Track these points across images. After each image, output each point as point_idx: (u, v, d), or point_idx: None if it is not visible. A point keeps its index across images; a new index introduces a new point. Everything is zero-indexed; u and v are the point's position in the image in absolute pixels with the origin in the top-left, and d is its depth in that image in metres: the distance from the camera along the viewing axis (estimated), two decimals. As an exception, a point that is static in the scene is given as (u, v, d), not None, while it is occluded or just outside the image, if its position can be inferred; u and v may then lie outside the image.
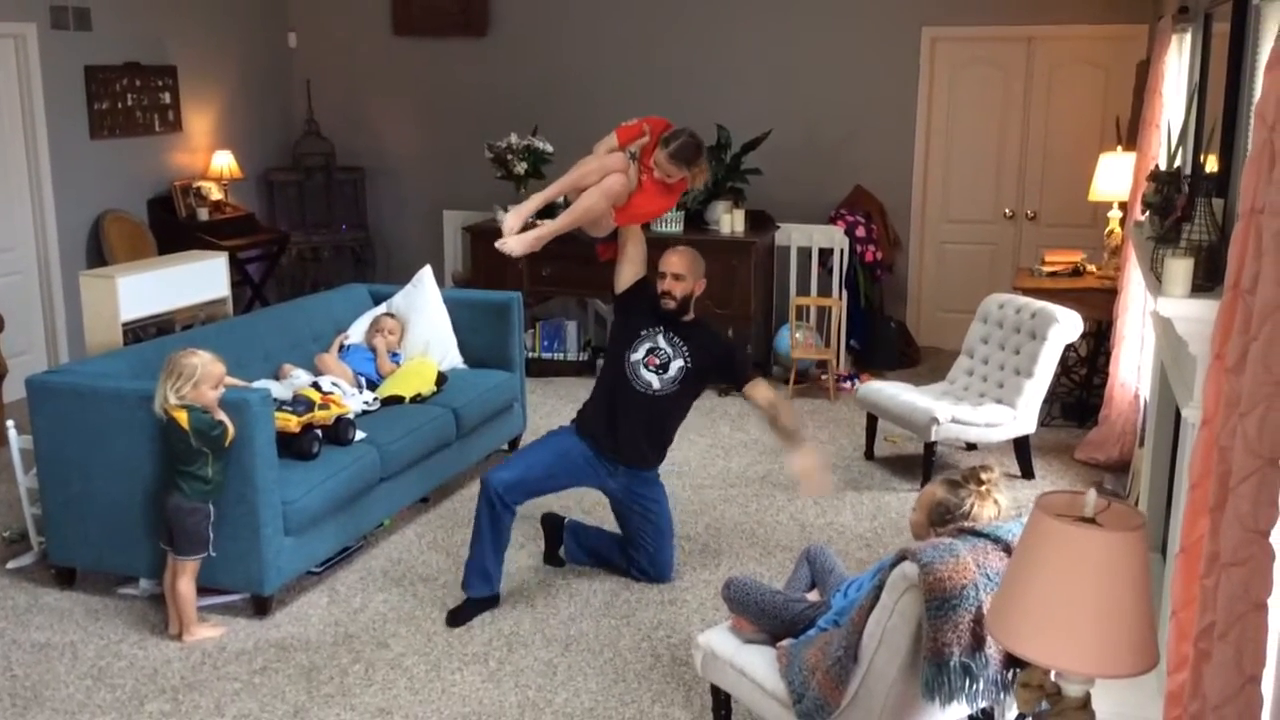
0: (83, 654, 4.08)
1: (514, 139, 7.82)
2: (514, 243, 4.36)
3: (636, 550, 4.58)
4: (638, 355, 4.44)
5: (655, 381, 4.41)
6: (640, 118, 4.43)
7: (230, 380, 4.19)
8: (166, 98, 8.21)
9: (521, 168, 7.80)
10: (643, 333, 4.46)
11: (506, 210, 4.50)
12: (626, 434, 4.45)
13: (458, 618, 4.29)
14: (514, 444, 6.15)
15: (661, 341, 4.44)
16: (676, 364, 4.43)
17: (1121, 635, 2.16)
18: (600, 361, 4.75)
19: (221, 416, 4.06)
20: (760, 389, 4.45)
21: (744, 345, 7.43)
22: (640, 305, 4.50)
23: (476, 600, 4.33)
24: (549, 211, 5.08)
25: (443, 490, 5.56)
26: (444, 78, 9.08)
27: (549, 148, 7.86)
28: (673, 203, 4.56)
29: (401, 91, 9.24)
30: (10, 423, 4.86)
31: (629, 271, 4.52)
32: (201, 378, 4.02)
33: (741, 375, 4.53)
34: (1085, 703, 2.33)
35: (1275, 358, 1.96)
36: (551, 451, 4.48)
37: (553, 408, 6.94)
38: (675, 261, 4.43)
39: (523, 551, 4.88)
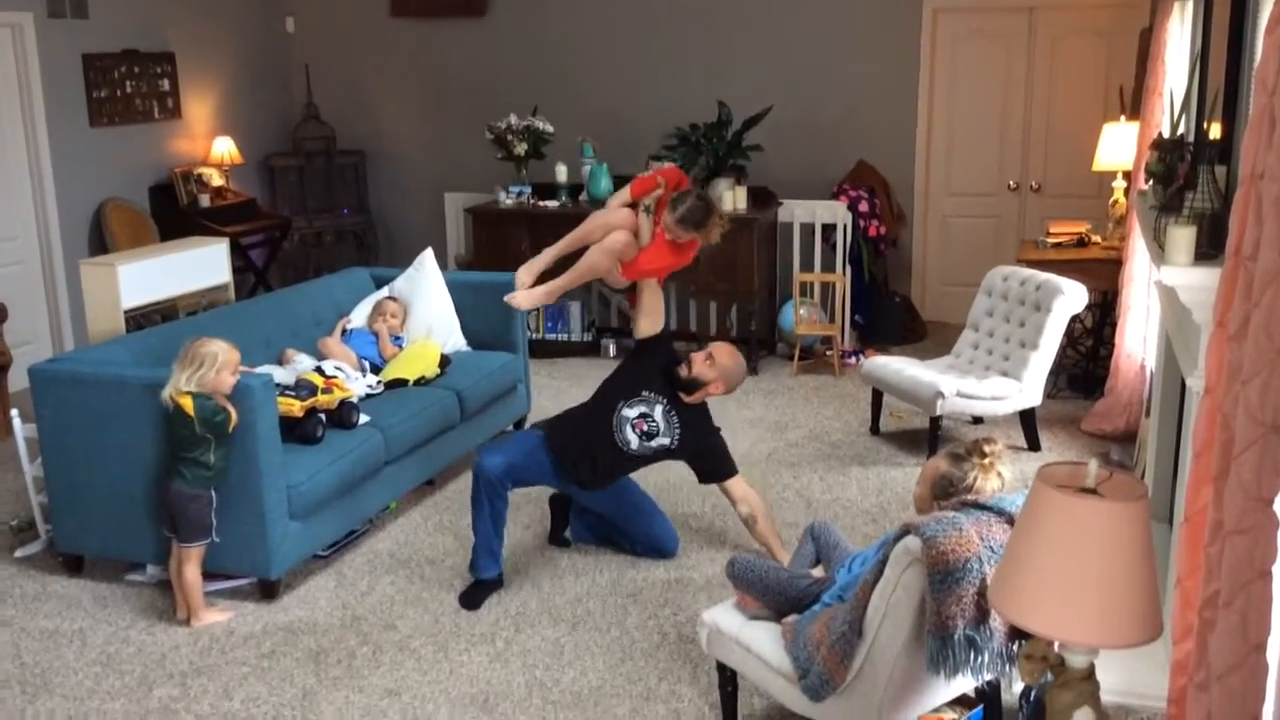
0: (91, 640, 4.10)
1: (514, 119, 7.80)
2: (522, 298, 4.50)
3: (631, 529, 4.58)
4: (630, 412, 4.39)
5: (634, 442, 4.39)
6: (657, 169, 4.46)
7: (244, 368, 4.20)
8: (165, 85, 8.19)
9: (522, 148, 7.78)
10: (645, 394, 4.42)
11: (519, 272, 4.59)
12: (594, 475, 4.41)
13: (473, 601, 4.29)
14: (519, 425, 6.15)
15: (658, 414, 4.40)
16: (661, 440, 4.42)
17: (1125, 606, 2.15)
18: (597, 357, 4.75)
19: (225, 403, 4.07)
20: (740, 487, 4.48)
21: (758, 316, 7.42)
22: (655, 360, 4.49)
23: (486, 581, 4.34)
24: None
25: (448, 473, 5.56)
26: (443, 59, 9.05)
27: (549, 128, 7.84)
28: (688, 259, 4.47)
29: (400, 74, 9.21)
30: (15, 412, 4.87)
31: (646, 323, 4.54)
32: (224, 364, 4.04)
33: (721, 472, 4.50)
34: (1089, 673, 2.33)
35: (1277, 325, 1.94)
36: (532, 448, 4.41)
37: (558, 389, 6.94)
38: (723, 351, 4.45)
39: (529, 532, 4.88)
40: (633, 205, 4.45)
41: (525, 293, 4.48)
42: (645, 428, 4.39)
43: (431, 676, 3.82)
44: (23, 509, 5.09)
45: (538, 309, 4.52)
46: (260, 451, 4.17)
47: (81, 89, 7.51)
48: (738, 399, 6.79)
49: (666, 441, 4.42)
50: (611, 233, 4.32)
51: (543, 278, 4.60)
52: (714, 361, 4.39)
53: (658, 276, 4.51)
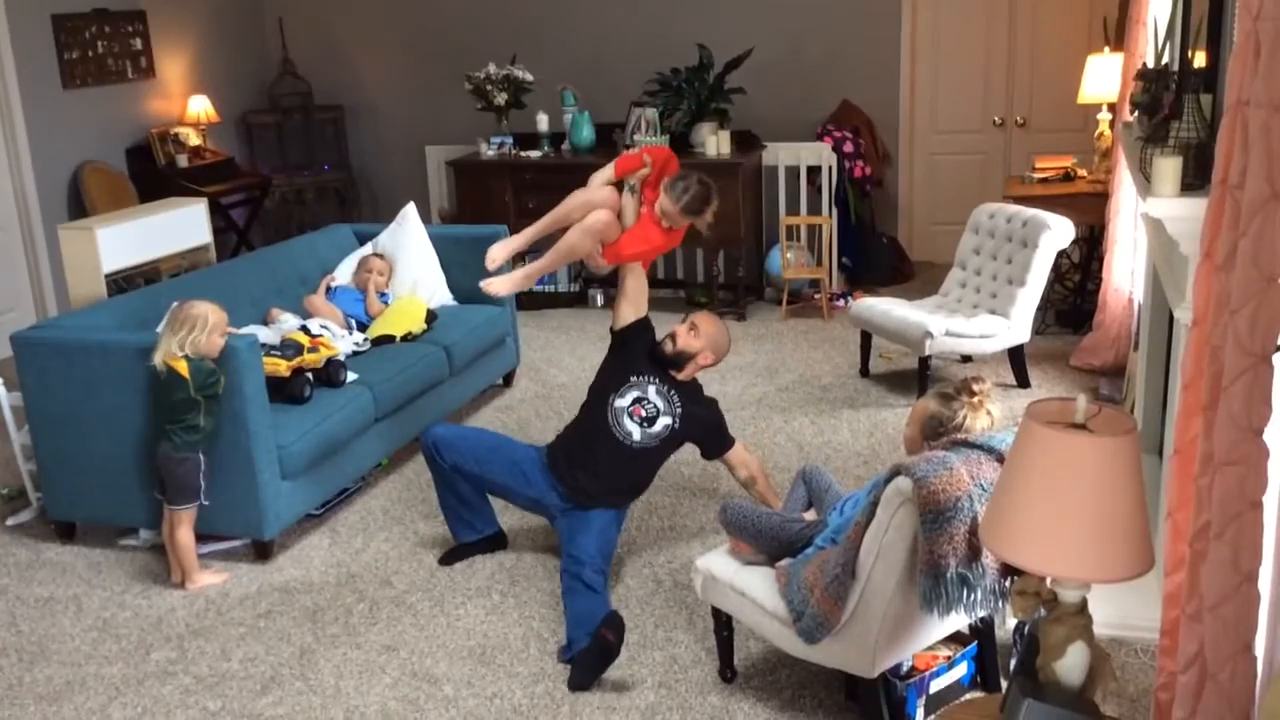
0: (87, 606, 4.10)
1: (492, 69, 7.71)
2: (499, 283, 4.27)
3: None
4: (623, 402, 4.07)
5: (636, 433, 4.05)
6: (642, 147, 4.20)
7: (229, 329, 4.16)
8: (138, 44, 8.06)
9: (502, 98, 7.70)
10: (633, 378, 4.10)
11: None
12: (600, 479, 4.04)
13: (447, 559, 4.28)
14: (508, 378, 6.14)
15: (652, 394, 4.09)
16: (664, 421, 4.08)
17: (1116, 539, 2.15)
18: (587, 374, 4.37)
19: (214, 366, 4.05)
20: (739, 454, 4.28)
21: (745, 261, 7.39)
22: (636, 346, 4.18)
23: (464, 545, 4.31)
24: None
25: (439, 427, 5.55)
26: (419, 8, 8.91)
27: (529, 76, 7.75)
28: (676, 241, 4.26)
29: (376, 25, 9.07)
30: (-1, 381, 4.84)
31: (628, 310, 4.21)
32: (213, 326, 4.01)
33: (725, 444, 4.28)
34: (1082, 608, 2.34)
35: (1265, 253, 1.93)
36: (500, 443, 4.21)
37: (546, 340, 6.91)
38: (706, 319, 4.19)
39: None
40: (616, 184, 4.20)
41: (503, 279, 4.26)
42: (643, 413, 4.07)
43: (428, 631, 3.83)
44: (12, 477, 5.07)
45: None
46: (249, 413, 4.15)
47: (52, 50, 7.38)
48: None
49: (670, 422, 4.07)
50: (593, 211, 4.07)
51: (519, 259, 4.41)
52: (699, 330, 4.13)
53: (643, 260, 4.24)
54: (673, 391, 4.12)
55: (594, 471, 4.03)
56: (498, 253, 4.32)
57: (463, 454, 4.11)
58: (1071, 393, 4.95)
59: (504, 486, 4.15)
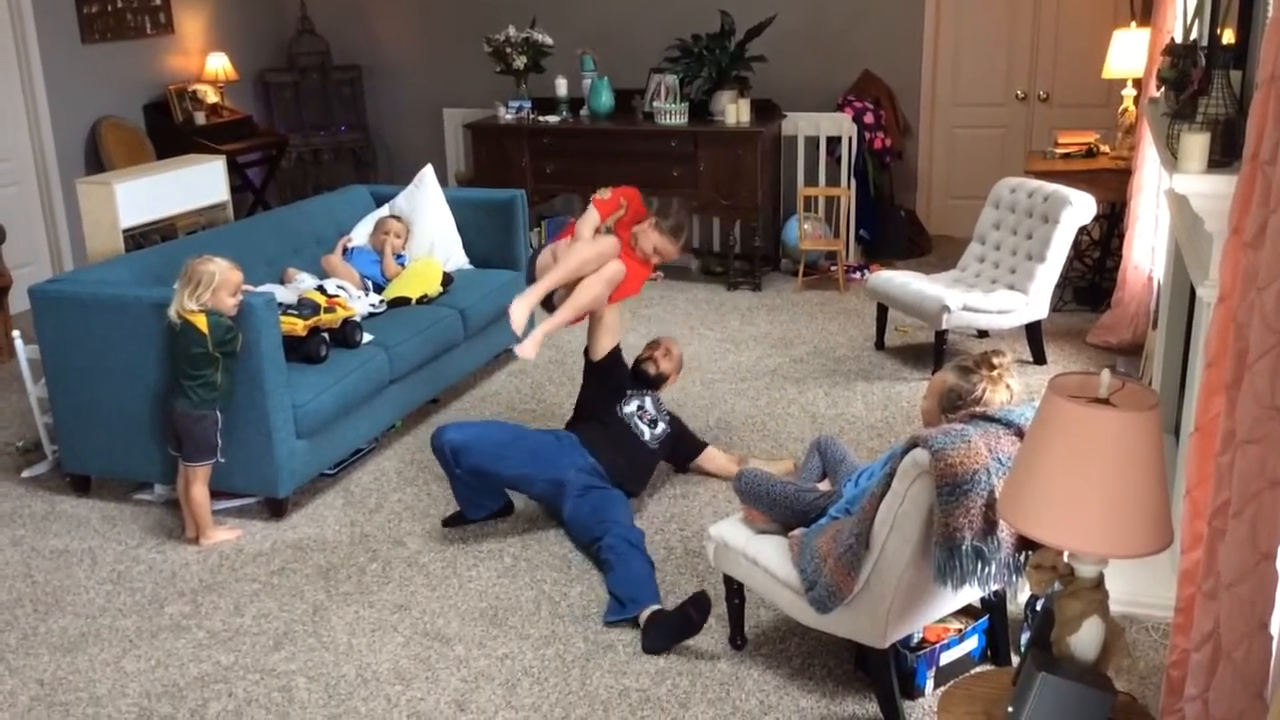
0: (101, 559, 4.13)
1: (512, 32, 7.66)
2: (529, 347, 4.28)
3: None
4: (630, 409, 4.36)
5: (647, 434, 4.34)
6: (613, 189, 4.38)
7: (247, 287, 4.16)
8: (156, -1, 8.03)
9: (521, 61, 7.65)
10: (629, 391, 4.43)
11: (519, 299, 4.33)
12: (634, 469, 4.30)
13: (451, 520, 4.29)
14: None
15: (648, 404, 4.43)
16: (661, 424, 4.42)
17: (1135, 515, 2.14)
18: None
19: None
20: (718, 459, 4.56)
21: (761, 232, 7.38)
22: (617, 369, 4.51)
23: (473, 519, 4.32)
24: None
25: (452, 391, 5.56)
26: (439, -30, 8.85)
27: (548, 40, 7.70)
28: (650, 270, 4.48)
29: (396, -14, 9.02)
30: (16, 333, 4.85)
31: (607, 340, 4.47)
32: (220, 284, 4.01)
33: (697, 447, 4.58)
34: (1098, 583, 2.33)
35: (1296, 230, 1.91)
36: (514, 434, 4.22)
37: (560, 306, 6.90)
38: (673, 343, 4.69)
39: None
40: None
41: (531, 343, 4.28)
42: (648, 418, 4.39)
43: (440, 592, 3.85)
44: (28, 430, 5.10)
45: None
46: (265, 371, 4.16)
47: (71, 5, 7.35)
48: (743, 316, 6.76)
49: (665, 427, 4.42)
50: (609, 262, 4.24)
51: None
52: (671, 355, 4.61)
53: (626, 295, 4.44)
54: (658, 403, 4.50)
55: (629, 460, 4.27)
56: (520, 313, 4.25)
57: (479, 454, 4.06)
58: (1088, 370, 4.94)
59: (522, 476, 4.13)
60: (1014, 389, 3.09)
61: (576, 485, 4.07)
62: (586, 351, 4.53)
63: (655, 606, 3.57)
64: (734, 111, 7.26)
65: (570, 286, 4.29)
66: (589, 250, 4.22)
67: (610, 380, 4.46)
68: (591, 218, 4.32)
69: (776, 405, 5.36)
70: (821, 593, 3.00)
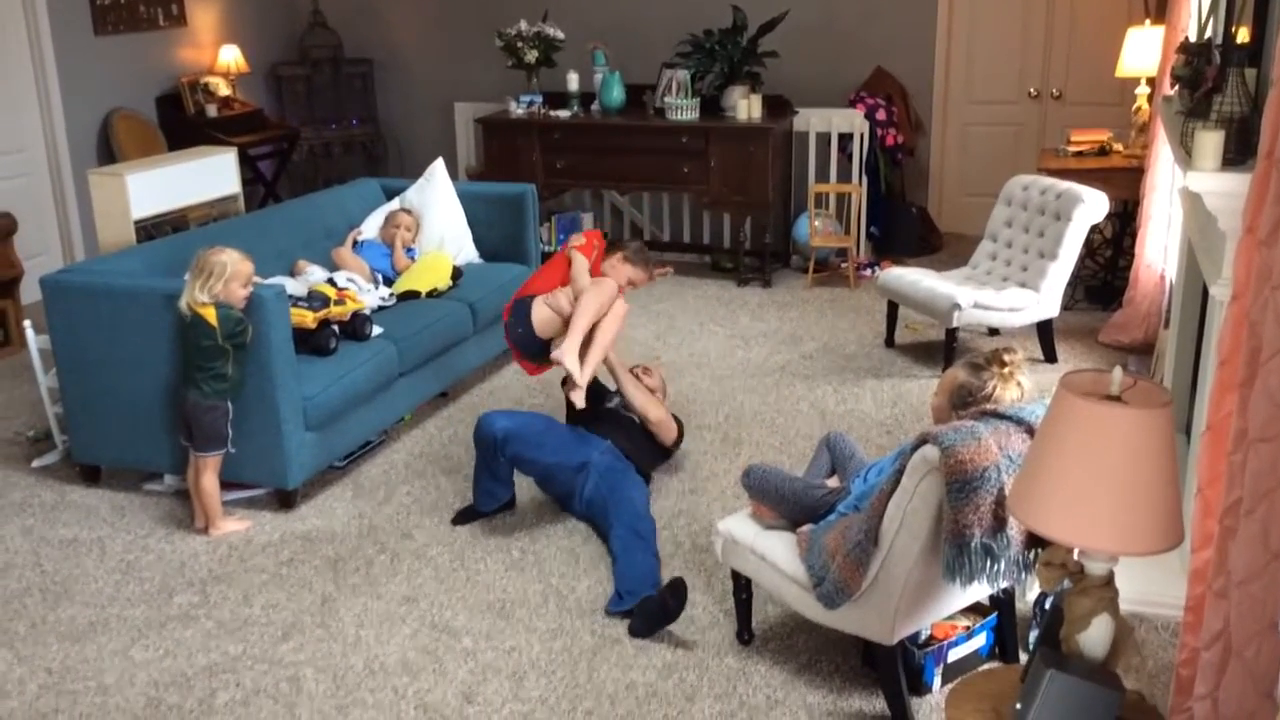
0: (111, 549, 4.14)
1: (524, 26, 7.65)
2: (581, 394, 4.35)
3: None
4: (612, 404, 4.54)
5: (636, 417, 4.46)
6: (584, 232, 4.77)
7: (257, 279, 4.16)
8: (169, -10, 8.04)
9: (532, 56, 7.65)
10: (608, 391, 4.63)
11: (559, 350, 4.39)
12: (637, 449, 4.39)
13: (459, 519, 4.30)
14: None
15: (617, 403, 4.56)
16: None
17: (1146, 513, 2.13)
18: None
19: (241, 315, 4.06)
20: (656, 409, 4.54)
21: (772, 228, 7.37)
22: (594, 381, 4.57)
23: (480, 511, 4.34)
24: None
25: (462, 385, 5.57)
26: (451, -36, 8.85)
27: (560, 34, 7.69)
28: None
29: (408, -21, 9.02)
30: (28, 323, 4.86)
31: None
32: (232, 275, 4.02)
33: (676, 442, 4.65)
34: (1108, 580, 2.32)
35: (1311, 227, 1.90)
36: (549, 421, 4.36)
37: (570, 300, 6.89)
38: (659, 366, 4.88)
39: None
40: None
41: (582, 393, 4.37)
42: (627, 404, 4.51)
43: (449, 584, 3.86)
44: (39, 420, 5.12)
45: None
46: (275, 363, 4.16)
47: (84, -5, 7.38)
48: (753, 312, 6.76)
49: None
50: (617, 301, 4.45)
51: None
52: (652, 372, 4.67)
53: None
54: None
55: (635, 444, 4.36)
56: (574, 360, 4.29)
57: (522, 441, 4.15)
58: (1099, 368, 4.93)
59: (558, 463, 4.18)
60: (1025, 386, 3.07)
61: (600, 465, 4.16)
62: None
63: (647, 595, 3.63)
64: (745, 107, 7.25)
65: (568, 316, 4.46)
66: (604, 294, 4.41)
67: (590, 387, 4.49)
68: (582, 264, 4.52)
69: (786, 401, 5.35)
70: (829, 589, 3.00)
